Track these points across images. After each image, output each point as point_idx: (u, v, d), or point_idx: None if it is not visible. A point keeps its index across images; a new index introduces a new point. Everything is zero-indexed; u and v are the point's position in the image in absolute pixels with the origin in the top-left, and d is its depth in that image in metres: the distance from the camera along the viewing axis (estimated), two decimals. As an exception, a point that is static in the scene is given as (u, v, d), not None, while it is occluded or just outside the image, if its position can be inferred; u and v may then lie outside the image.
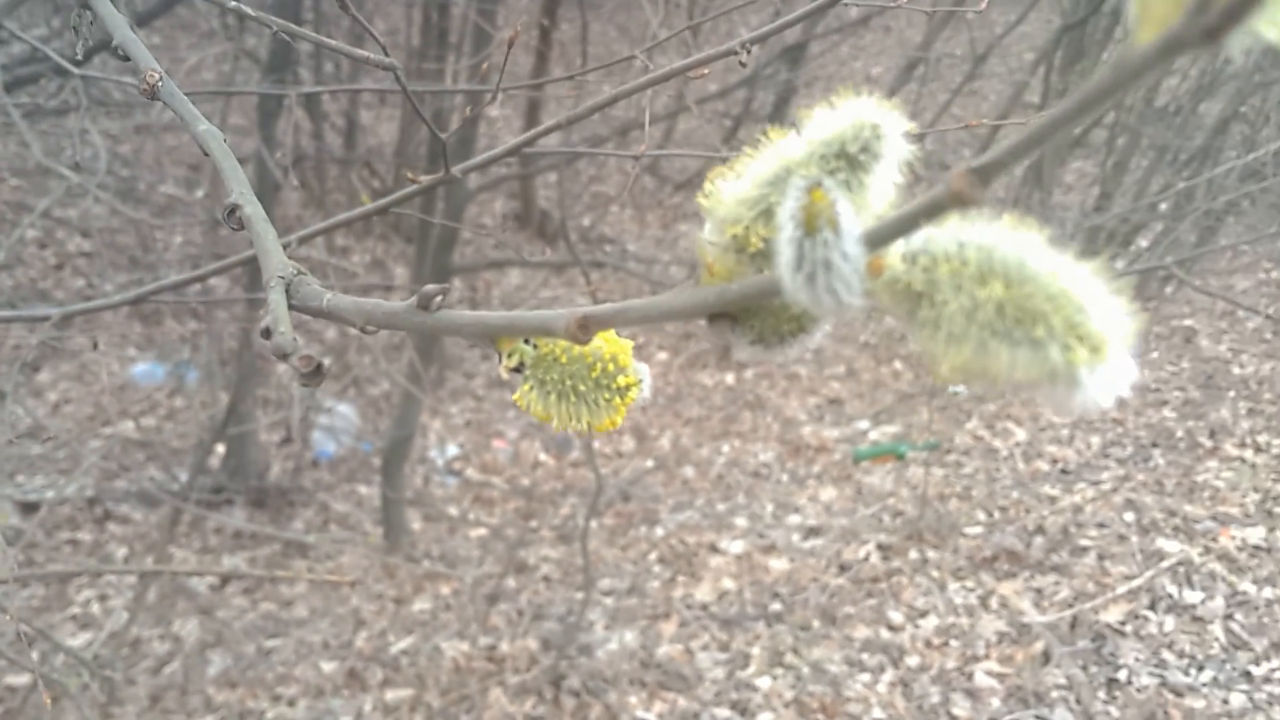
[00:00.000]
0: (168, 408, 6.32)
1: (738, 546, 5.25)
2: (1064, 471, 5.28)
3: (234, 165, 0.82)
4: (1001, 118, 6.41)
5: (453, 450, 6.54)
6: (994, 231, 0.55)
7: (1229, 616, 3.97)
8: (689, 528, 5.52)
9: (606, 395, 0.75)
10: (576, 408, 0.74)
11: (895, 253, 0.56)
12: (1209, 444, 5.13)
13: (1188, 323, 6.71)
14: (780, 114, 8.21)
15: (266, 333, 0.65)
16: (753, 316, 0.66)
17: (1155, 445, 5.29)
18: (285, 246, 1.54)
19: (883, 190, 0.63)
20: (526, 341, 0.73)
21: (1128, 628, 4.01)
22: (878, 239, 0.51)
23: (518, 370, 0.73)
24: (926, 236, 0.56)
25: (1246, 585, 4.10)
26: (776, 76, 7.16)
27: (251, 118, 5.67)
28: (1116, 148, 7.34)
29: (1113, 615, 4.08)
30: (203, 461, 5.04)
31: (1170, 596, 4.12)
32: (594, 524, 5.52)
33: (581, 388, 0.74)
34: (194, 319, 6.32)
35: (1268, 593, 4.06)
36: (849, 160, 0.62)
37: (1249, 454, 4.93)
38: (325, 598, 5.12)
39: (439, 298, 0.67)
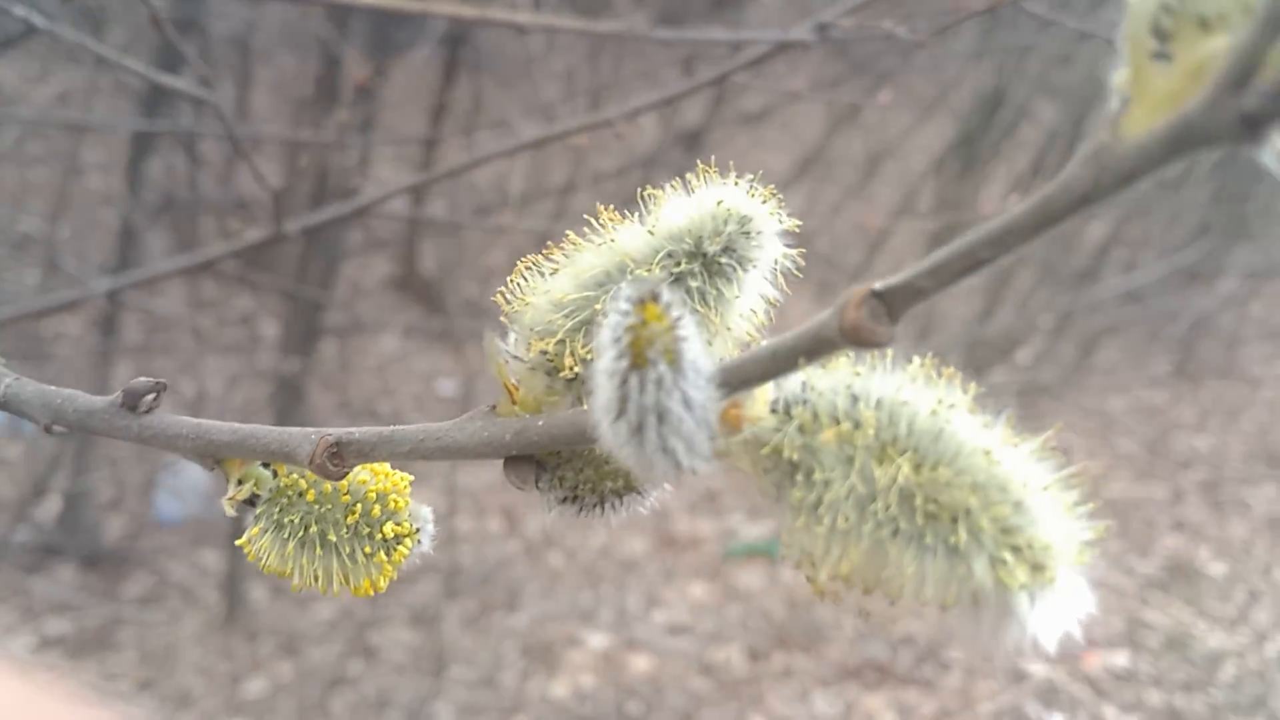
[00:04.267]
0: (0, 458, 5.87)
1: (600, 641, 5.04)
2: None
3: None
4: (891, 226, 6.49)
5: (309, 519, 6.20)
6: (901, 383, 0.38)
7: (1090, 742, 3.91)
8: (551, 617, 5.29)
9: (367, 548, 0.57)
10: (324, 562, 0.55)
11: (762, 400, 0.40)
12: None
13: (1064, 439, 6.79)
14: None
15: None
16: (565, 465, 0.52)
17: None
18: (83, 300, 1.33)
19: (749, 308, 0.47)
20: (266, 466, 0.53)
21: (990, 749, 3.92)
22: (738, 379, 0.36)
23: (250, 504, 0.54)
24: (807, 382, 0.39)
25: (1109, 710, 4.05)
26: (673, 162, 7.14)
27: (116, 155, 5.37)
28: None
29: (975, 735, 3.99)
30: (21, 517, 4.65)
31: (1032, 719, 4.04)
32: (451, 607, 5.26)
33: (332, 536, 0.55)
34: (39, 360, 5.91)
35: None
36: (706, 263, 0.44)
37: (1116, 577, 4.94)
38: (155, 670, 4.74)
39: (150, 396, 0.50)
